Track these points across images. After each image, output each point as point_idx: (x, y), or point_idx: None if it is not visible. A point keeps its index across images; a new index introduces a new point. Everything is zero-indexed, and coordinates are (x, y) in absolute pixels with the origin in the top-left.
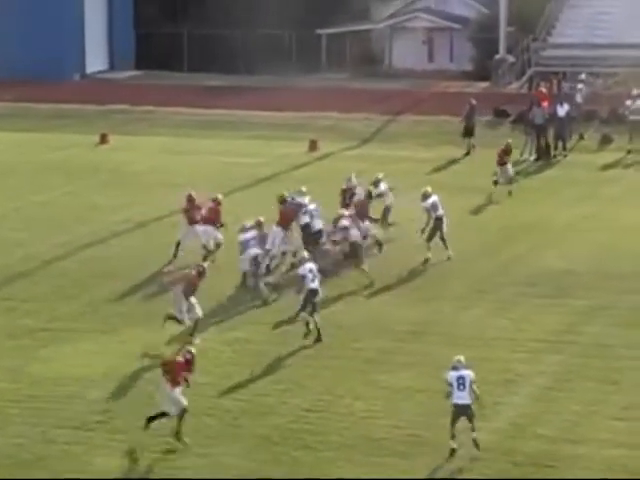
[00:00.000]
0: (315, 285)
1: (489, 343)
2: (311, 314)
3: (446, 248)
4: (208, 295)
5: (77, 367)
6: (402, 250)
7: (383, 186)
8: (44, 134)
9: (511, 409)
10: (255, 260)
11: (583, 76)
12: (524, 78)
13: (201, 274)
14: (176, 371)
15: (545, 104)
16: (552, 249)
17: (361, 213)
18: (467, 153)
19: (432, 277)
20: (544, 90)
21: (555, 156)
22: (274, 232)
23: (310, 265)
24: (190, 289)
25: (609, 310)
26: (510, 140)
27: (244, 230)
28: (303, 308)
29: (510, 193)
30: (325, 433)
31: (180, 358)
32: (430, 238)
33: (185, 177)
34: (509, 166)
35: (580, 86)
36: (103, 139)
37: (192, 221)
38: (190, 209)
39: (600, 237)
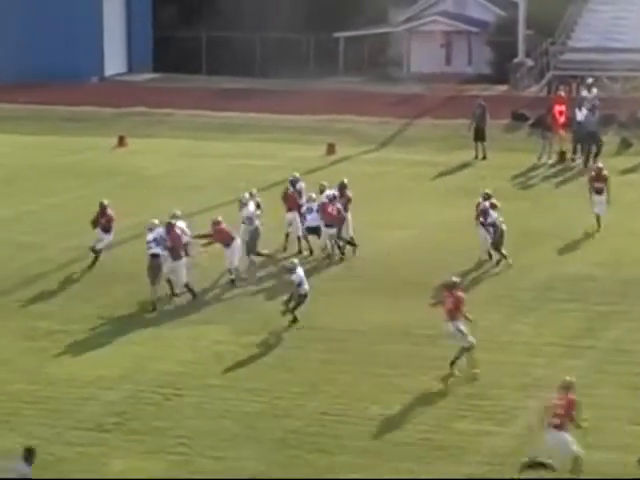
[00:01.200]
0: (306, 288)
1: (506, 347)
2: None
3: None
4: (223, 299)
5: (93, 369)
6: (419, 254)
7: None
8: (62, 137)
9: (528, 414)
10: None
11: (590, 80)
12: (543, 82)
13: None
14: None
15: (563, 108)
16: (571, 254)
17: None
18: (477, 157)
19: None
20: (563, 94)
21: (574, 160)
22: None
23: (300, 270)
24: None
25: (628, 315)
26: (600, 165)
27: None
28: (293, 310)
29: (598, 228)
30: (341, 437)
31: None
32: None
33: (202, 180)
34: (604, 198)
35: (594, 90)
36: (121, 142)
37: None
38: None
39: (618, 242)
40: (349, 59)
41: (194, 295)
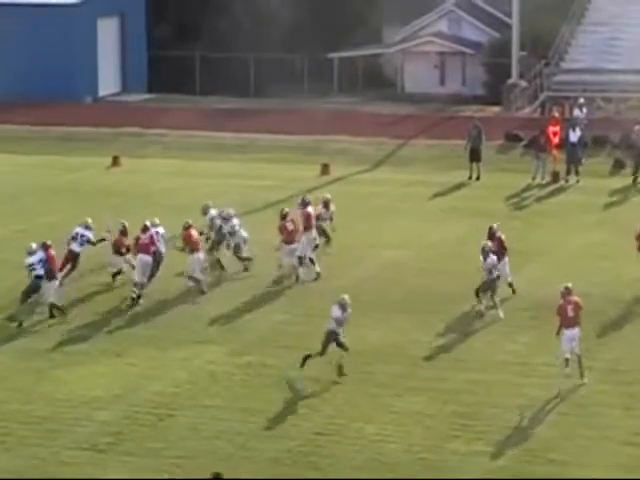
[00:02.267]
0: None
1: (501, 367)
2: None
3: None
4: (216, 319)
5: (88, 389)
6: (414, 275)
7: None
8: (56, 157)
9: (523, 434)
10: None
11: (582, 100)
12: (536, 103)
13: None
14: None
15: (557, 129)
16: (564, 274)
17: None
18: (472, 177)
19: (444, 301)
20: (557, 115)
21: (567, 181)
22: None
23: None
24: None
25: (623, 336)
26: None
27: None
28: None
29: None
30: (336, 456)
31: None
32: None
33: (197, 200)
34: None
35: (584, 110)
36: (115, 162)
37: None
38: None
39: (612, 263)
40: (343, 79)
41: (59, 313)
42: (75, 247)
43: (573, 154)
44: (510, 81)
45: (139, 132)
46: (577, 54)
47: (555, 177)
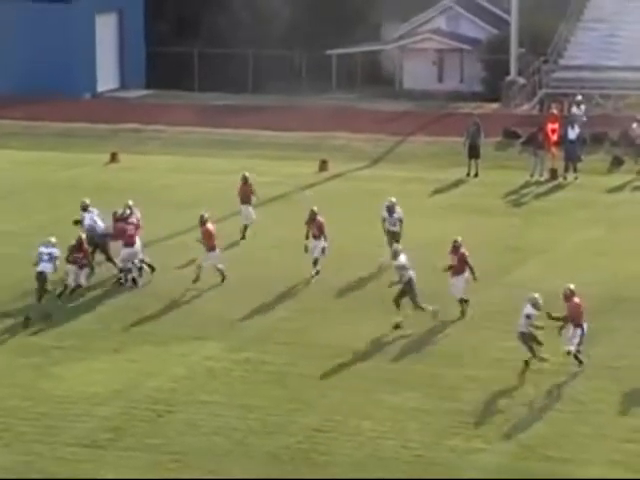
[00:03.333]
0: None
1: (496, 364)
2: None
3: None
4: (214, 315)
5: (87, 385)
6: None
7: None
8: (54, 153)
9: (519, 431)
10: None
11: (580, 97)
12: (535, 100)
13: None
14: None
15: (556, 126)
16: (561, 272)
17: None
18: (470, 174)
19: (440, 298)
20: (555, 112)
21: (565, 178)
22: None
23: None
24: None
25: (617, 333)
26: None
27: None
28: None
29: None
30: (333, 453)
31: None
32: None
33: (195, 197)
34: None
35: (582, 107)
36: (113, 158)
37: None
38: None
39: (609, 260)
40: (342, 76)
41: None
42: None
43: (571, 151)
44: (508, 78)
45: (138, 128)
46: (576, 51)
47: (553, 174)
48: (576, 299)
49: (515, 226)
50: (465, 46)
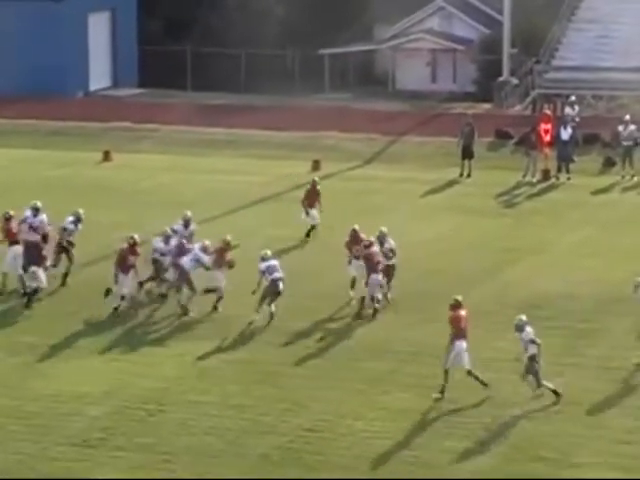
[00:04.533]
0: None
1: (488, 365)
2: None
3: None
4: (207, 315)
5: (78, 384)
6: (402, 273)
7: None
8: (46, 151)
9: (512, 432)
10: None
11: (573, 98)
12: (527, 100)
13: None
14: None
15: (549, 127)
16: (553, 271)
17: None
18: (463, 174)
19: (432, 298)
20: (548, 112)
21: (558, 178)
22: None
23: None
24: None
25: (609, 333)
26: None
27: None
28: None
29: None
30: (325, 453)
31: None
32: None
33: (188, 196)
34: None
35: (575, 108)
36: (106, 157)
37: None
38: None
39: (601, 261)
40: (334, 76)
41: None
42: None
43: (564, 152)
44: (501, 78)
45: (130, 127)
46: (568, 52)
47: (546, 175)
48: (462, 312)
49: (507, 226)
50: (458, 46)
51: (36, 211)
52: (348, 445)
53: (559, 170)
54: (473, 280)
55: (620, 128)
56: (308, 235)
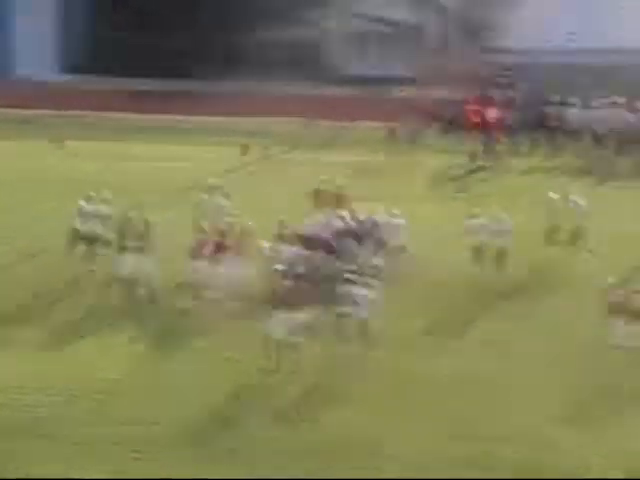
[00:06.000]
0: None
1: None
2: None
3: None
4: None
5: (20, 374)
6: None
7: None
8: None
9: (441, 411)
10: None
11: (504, 80)
12: (462, 84)
13: None
14: None
15: (477, 108)
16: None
17: None
18: (406, 160)
19: None
20: (477, 95)
21: (485, 160)
22: None
23: None
24: None
25: (505, 312)
26: None
27: None
28: None
29: None
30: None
31: None
32: None
33: (119, 183)
34: None
35: (506, 91)
36: (36, 144)
37: None
38: None
39: (526, 243)
40: (267, 60)
41: None
42: None
43: (491, 134)
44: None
45: (60, 114)
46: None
47: (473, 156)
48: None
49: (431, 209)
50: (392, 30)
51: None
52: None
53: (486, 152)
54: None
55: (546, 110)
56: None
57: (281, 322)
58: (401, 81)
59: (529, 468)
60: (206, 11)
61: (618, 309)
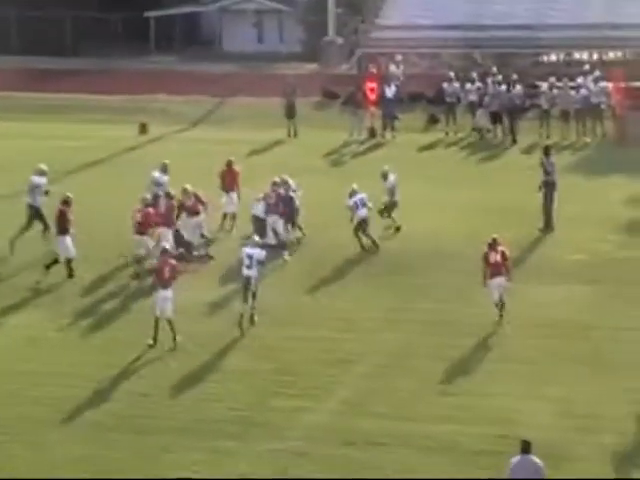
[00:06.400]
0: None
1: (324, 324)
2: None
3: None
4: (36, 286)
5: None
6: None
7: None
8: None
9: (345, 388)
10: None
11: (399, 57)
12: (353, 59)
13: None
14: None
15: (374, 85)
16: (382, 228)
17: None
18: (290, 134)
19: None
20: (374, 71)
21: (384, 136)
22: None
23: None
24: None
25: (441, 288)
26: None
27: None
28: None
29: None
30: (158, 417)
31: None
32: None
33: (14, 161)
34: None
35: (400, 67)
36: None
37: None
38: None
39: (426, 215)
40: (161, 38)
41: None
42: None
43: (389, 110)
44: (326, 38)
45: None
46: (391, 10)
47: (372, 133)
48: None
49: (335, 185)
50: (284, 7)
51: None
52: (181, 409)
53: (384, 128)
54: (308, 236)
55: (444, 85)
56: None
57: (159, 299)
58: (289, 57)
59: None
60: None
61: None
